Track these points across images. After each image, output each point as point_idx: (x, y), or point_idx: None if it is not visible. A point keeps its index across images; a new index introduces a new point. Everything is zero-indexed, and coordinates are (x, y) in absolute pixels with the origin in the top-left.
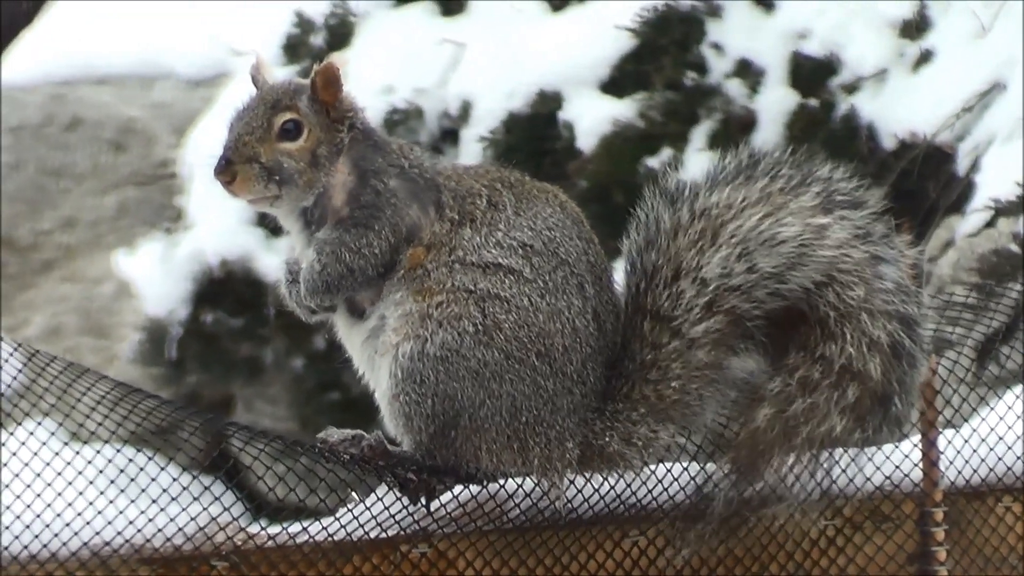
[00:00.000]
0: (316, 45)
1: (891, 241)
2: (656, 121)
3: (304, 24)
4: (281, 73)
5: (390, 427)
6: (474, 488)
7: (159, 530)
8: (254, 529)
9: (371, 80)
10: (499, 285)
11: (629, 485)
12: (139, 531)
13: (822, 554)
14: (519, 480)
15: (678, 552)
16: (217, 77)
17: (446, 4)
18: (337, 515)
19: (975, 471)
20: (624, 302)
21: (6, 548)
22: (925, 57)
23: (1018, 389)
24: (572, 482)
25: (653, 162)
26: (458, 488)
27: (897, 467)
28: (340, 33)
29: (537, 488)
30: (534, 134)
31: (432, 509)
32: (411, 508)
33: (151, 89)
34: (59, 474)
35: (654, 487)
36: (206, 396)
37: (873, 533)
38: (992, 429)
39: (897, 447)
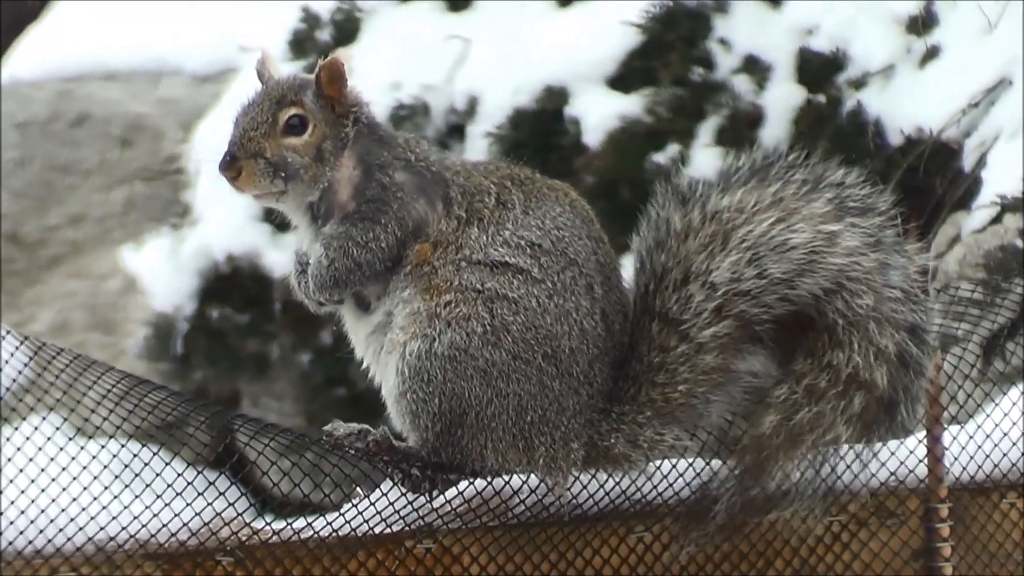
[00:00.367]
0: (323, 41)
1: (901, 249)
2: (663, 117)
3: (311, 20)
4: (288, 69)
5: (397, 424)
6: (479, 484)
7: (164, 525)
8: (259, 524)
9: (378, 76)
10: (507, 285)
11: (634, 482)
12: (144, 526)
13: (827, 550)
14: (524, 475)
15: (681, 550)
16: (224, 73)
17: (453, 0)
18: (342, 511)
19: (980, 467)
20: (632, 300)
21: (10, 543)
22: (932, 53)
23: (1023, 385)
24: (577, 478)
25: (660, 158)
26: (463, 484)
27: (902, 463)
28: (347, 29)
29: (542, 484)
30: (541, 130)
31: (437, 505)
32: (416, 504)
33: (158, 85)
34: (64, 469)
35: (659, 483)
36: (213, 392)
37: (878, 529)
38: (997, 425)
39: (902, 443)
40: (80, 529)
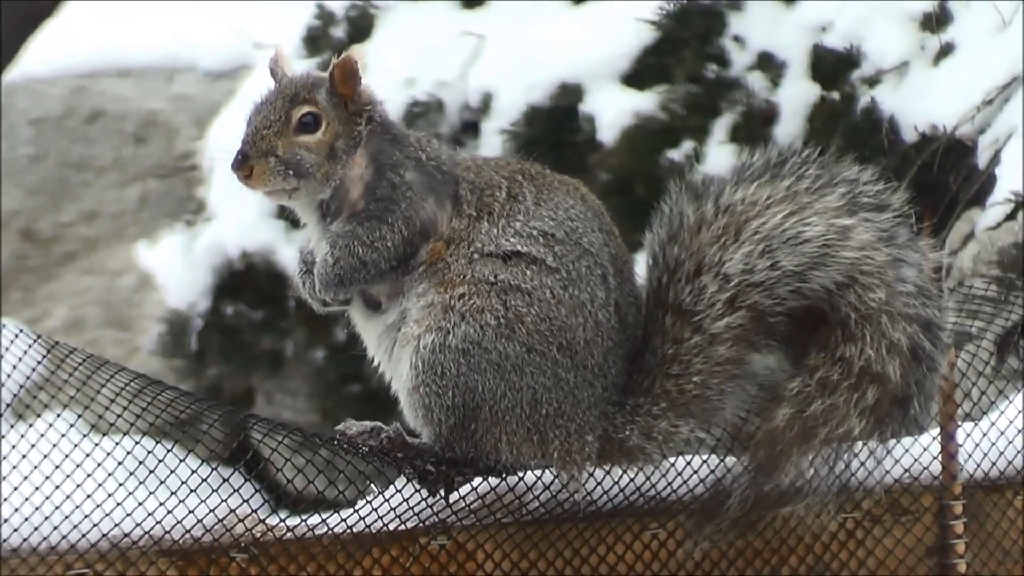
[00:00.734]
0: (337, 38)
1: (915, 245)
2: (677, 114)
3: (325, 17)
4: (302, 66)
5: (409, 418)
6: (493, 480)
7: (178, 522)
8: (273, 521)
9: (392, 73)
10: (520, 276)
11: (648, 478)
12: (158, 523)
13: (841, 547)
14: (538, 472)
15: (695, 546)
16: (239, 69)
17: None
18: (356, 507)
19: (994, 464)
20: (645, 295)
21: (25, 540)
22: (946, 50)
23: None
24: (591, 475)
25: (674, 155)
26: (477, 480)
27: (916, 460)
28: (361, 26)
29: (556, 480)
30: (555, 127)
31: (451, 501)
32: (430, 500)
33: (173, 81)
34: (78, 465)
35: (673, 479)
36: (227, 388)
37: (892, 526)
38: (1011, 422)
39: (916, 440)
40: (94, 526)
